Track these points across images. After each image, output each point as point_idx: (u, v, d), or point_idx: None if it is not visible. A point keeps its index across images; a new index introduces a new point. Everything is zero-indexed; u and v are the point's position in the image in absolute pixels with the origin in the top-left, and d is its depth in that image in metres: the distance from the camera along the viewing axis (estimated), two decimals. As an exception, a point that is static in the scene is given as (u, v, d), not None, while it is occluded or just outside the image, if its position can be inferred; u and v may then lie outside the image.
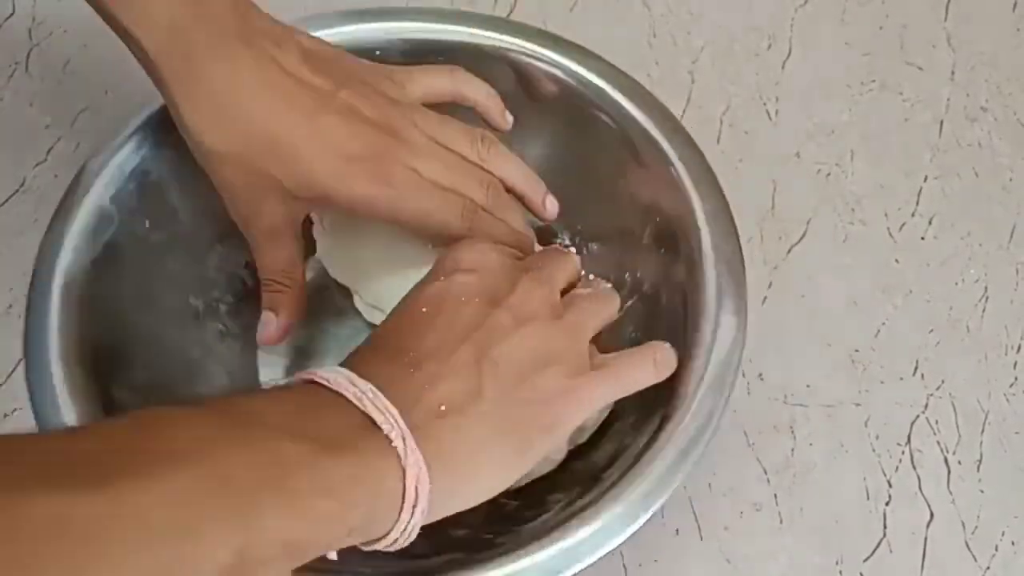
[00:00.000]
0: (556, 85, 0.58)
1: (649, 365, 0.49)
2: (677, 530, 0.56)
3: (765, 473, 0.58)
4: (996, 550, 0.56)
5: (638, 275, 0.57)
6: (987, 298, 0.63)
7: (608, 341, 0.52)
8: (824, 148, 0.67)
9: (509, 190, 0.54)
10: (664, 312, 0.55)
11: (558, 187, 0.56)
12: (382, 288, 0.56)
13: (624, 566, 0.55)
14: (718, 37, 0.71)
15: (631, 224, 0.57)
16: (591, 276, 0.54)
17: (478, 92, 0.55)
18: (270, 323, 0.54)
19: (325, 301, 0.59)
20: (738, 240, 0.54)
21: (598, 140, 0.58)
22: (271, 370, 0.59)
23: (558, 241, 0.60)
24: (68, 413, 0.49)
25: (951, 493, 0.57)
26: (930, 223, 0.65)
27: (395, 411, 0.40)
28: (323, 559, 0.39)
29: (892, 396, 0.60)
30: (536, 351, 0.45)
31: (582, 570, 0.54)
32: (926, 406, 0.60)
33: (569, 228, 0.60)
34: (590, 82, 0.57)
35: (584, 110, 0.58)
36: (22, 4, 0.72)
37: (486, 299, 0.46)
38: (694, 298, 0.53)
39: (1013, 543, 0.56)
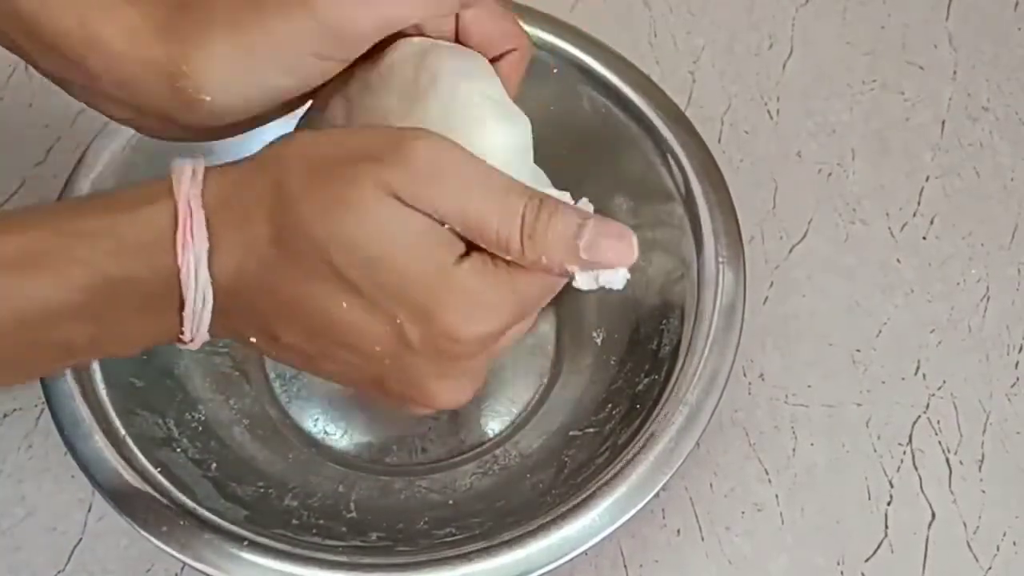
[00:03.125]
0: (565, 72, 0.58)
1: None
2: (678, 530, 0.56)
3: (766, 473, 0.58)
4: (998, 550, 0.56)
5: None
6: (988, 298, 0.63)
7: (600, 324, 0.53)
8: (825, 148, 0.67)
9: None
10: (663, 302, 0.56)
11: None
12: None
13: (625, 566, 0.55)
14: (719, 37, 0.71)
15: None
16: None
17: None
18: None
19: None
20: (740, 235, 0.54)
21: (599, 122, 0.58)
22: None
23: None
24: (79, 402, 0.50)
25: (952, 493, 0.57)
26: (931, 223, 0.65)
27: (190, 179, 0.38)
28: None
29: (893, 396, 0.60)
30: None
31: (581, 568, 0.54)
32: (927, 406, 0.60)
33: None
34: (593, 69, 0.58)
35: (575, 87, 0.58)
36: (22, 4, 0.72)
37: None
38: (693, 289, 0.54)
39: (1015, 543, 0.56)
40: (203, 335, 0.40)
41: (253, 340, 0.40)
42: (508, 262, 0.38)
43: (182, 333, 0.39)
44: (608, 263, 0.38)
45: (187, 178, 0.38)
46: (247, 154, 0.39)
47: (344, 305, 0.37)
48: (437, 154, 0.37)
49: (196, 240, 0.37)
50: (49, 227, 0.38)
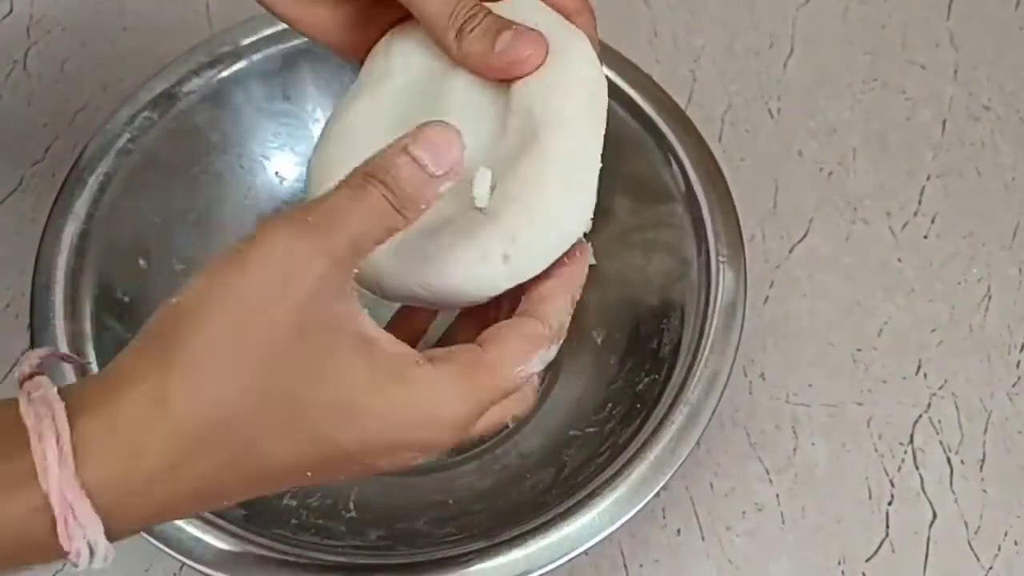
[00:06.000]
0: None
1: None
2: (679, 530, 0.56)
3: (767, 473, 0.57)
4: (999, 550, 0.56)
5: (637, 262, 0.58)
6: (989, 297, 0.62)
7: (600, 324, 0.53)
8: (826, 147, 0.67)
9: None
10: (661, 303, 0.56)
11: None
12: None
13: (625, 566, 0.55)
14: (719, 36, 0.71)
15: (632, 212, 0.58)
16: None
17: None
18: None
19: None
20: (740, 234, 0.54)
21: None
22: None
23: None
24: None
25: (954, 493, 0.57)
26: (932, 222, 0.65)
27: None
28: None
29: (894, 396, 0.60)
30: None
31: (581, 567, 0.54)
32: (929, 406, 0.59)
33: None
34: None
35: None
36: (20, 2, 0.72)
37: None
38: (694, 288, 0.54)
39: (1016, 543, 0.56)
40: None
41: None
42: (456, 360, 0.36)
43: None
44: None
45: (53, 457, 0.31)
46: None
47: (310, 475, 0.35)
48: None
49: (86, 527, 0.32)
50: None
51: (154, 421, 0.32)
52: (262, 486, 0.35)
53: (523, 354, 0.37)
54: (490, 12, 0.40)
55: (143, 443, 0.32)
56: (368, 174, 0.35)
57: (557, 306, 0.39)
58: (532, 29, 0.39)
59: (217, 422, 0.33)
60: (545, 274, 0.39)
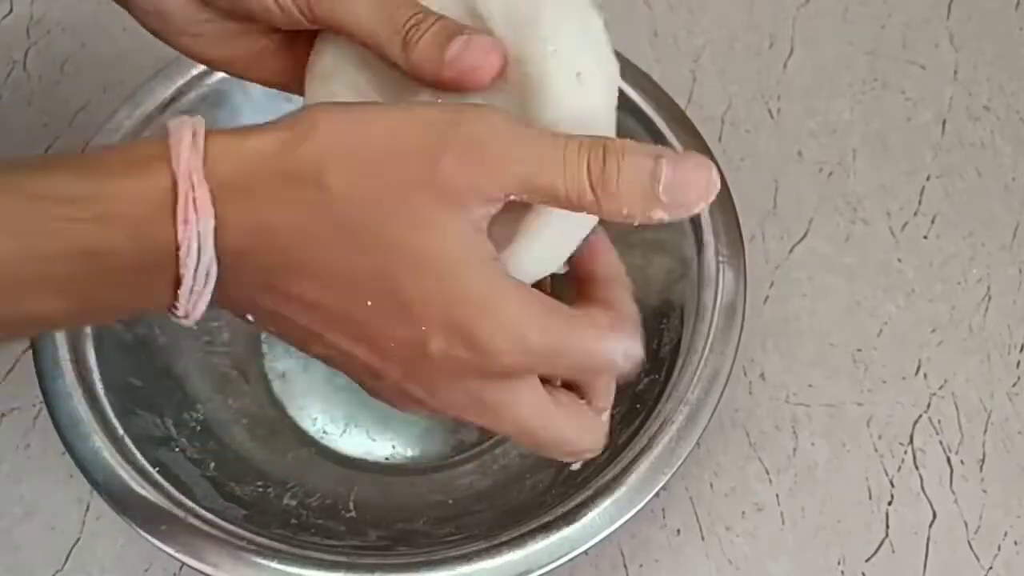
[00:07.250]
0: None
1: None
2: (678, 530, 0.56)
3: (767, 473, 0.57)
4: (999, 550, 0.56)
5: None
6: (989, 298, 0.62)
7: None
8: (826, 147, 0.67)
9: None
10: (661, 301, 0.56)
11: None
12: None
13: (625, 566, 0.55)
14: (719, 36, 0.71)
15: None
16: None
17: None
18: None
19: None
20: (740, 234, 0.54)
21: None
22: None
23: None
24: (78, 402, 0.50)
25: (954, 493, 0.57)
26: (932, 222, 0.65)
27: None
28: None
29: (894, 396, 0.60)
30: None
31: (581, 567, 0.54)
32: (928, 406, 0.59)
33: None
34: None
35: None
36: (20, 3, 0.72)
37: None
38: (693, 288, 0.54)
39: (1016, 543, 0.56)
40: (200, 311, 0.36)
41: (250, 318, 0.37)
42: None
43: (175, 307, 0.36)
44: (691, 203, 0.35)
45: (187, 146, 0.34)
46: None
47: (370, 303, 0.35)
48: (488, 135, 0.34)
49: (200, 216, 0.34)
50: (17, 189, 0.34)
51: (274, 154, 0.34)
52: (329, 286, 0.35)
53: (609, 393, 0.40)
54: (440, 17, 0.37)
55: (260, 163, 0.34)
56: (600, 148, 0.34)
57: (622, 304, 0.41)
58: (485, 35, 0.36)
59: (318, 182, 0.34)
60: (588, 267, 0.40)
